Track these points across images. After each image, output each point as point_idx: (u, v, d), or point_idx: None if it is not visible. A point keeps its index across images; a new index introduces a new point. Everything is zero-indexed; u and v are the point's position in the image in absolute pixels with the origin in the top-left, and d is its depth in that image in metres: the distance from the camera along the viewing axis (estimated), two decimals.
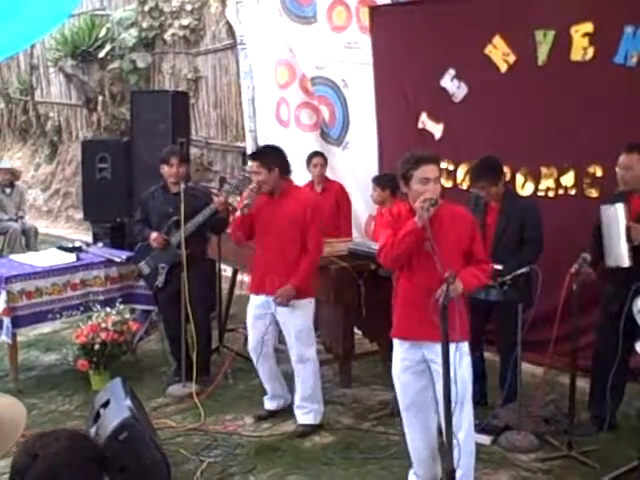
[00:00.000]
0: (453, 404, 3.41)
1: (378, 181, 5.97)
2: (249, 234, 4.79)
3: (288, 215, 4.63)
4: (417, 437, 3.84)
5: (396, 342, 3.80)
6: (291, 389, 4.95)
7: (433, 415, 3.78)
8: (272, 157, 4.71)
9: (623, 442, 4.42)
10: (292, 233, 4.63)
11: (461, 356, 3.57)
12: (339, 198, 6.66)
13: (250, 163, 4.70)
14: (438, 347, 3.48)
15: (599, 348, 4.63)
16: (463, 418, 3.62)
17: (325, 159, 6.79)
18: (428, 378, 3.72)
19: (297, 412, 4.81)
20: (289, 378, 5.03)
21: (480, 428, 4.52)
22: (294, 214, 4.63)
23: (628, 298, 4.06)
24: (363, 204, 7.03)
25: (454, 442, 3.38)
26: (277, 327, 4.84)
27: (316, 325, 5.80)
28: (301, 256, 4.65)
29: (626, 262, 4.30)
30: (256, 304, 4.81)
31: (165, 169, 5.39)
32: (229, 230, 4.88)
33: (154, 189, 5.53)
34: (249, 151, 8.50)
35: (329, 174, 7.28)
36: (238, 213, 4.74)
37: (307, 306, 4.72)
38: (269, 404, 5.02)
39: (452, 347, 3.43)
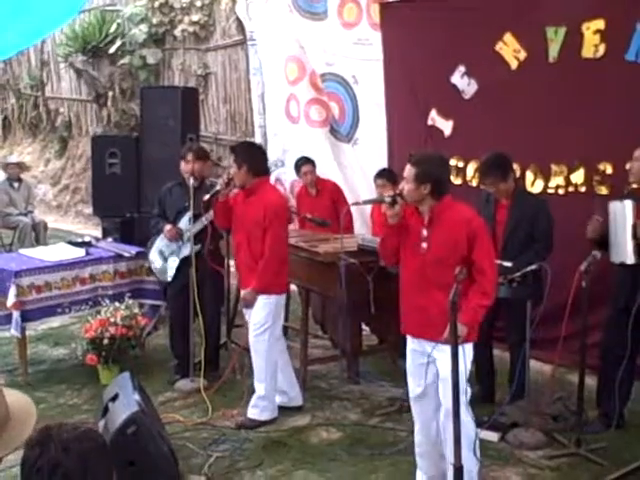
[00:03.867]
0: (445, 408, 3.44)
1: (388, 177, 5.95)
2: (225, 222, 4.97)
3: (252, 214, 4.73)
4: (418, 429, 3.86)
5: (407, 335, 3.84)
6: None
7: (435, 411, 3.78)
8: (243, 154, 4.80)
9: (631, 440, 4.42)
10: (256, 232, 4.73)
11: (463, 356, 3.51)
12: (334, 197, 6.65)
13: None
14: (440, 346, 3.53)
15: (607, 345, 4.62)
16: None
17: (314, 164, 6.76)
18: (433, 373, 3.73)
19: (250, 409, 4.85)
20: (295, 374, 5.06)
21: (488, 425, 4.52)
22: (256, 214, 4.72)
23: (637, 295, 4.04)
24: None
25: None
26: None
27: (322, 321, 5.83)
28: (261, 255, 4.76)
29: (630, 259, 4.29)
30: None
31: (182, 165, 5.49)
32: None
33: (172, 184, 5.61)
34: None
35: (337, 171, 7.29)
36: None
37: (264, 303, 4.75)
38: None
39: (445, 348, 3.45)
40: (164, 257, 5.56)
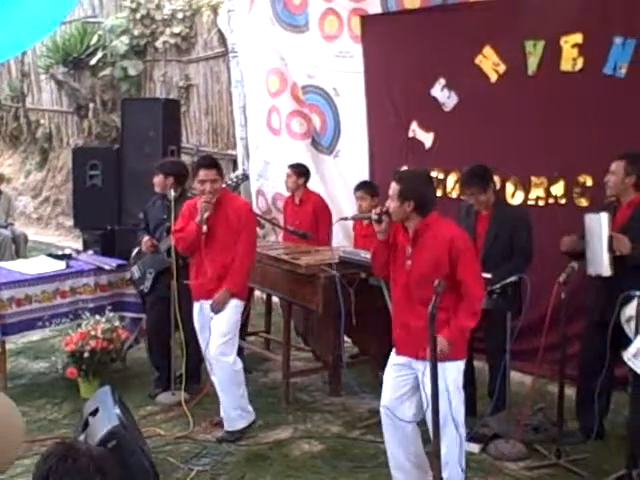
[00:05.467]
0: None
1: (368, 189, 5.97)
2: (193, 248, 4.83)
3: (225, 223, 4.73)
4: (394, 443, 3.84)
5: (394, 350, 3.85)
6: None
7: (412, 425, 3.78)
8: (221, 168, 4.89)
9: (611, 450, 4.44)
10: (229, 239, 4.73)
11: (444, 375, 3.50)
12: (317, 209, 6.66)
13: (204, 172, 4.73)
14: (424, 363, 3.56)
15: (585, 357, 4.65)
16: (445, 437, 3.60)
17: (299, 171, 6.76)
18: (411, 387, 3.73)
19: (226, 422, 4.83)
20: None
21: (469, 436, 4.52)
22: (229, 221, 4.74)
23: (616, 306, 4.07)
24: (354, 213, 7.03)
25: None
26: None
27: (304, 333, 5.82)
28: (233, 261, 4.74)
29: (606, 271, 4.33)
30: (196, 311, 4.91)
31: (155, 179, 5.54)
32: (174, 240, 4.95)
33: (155, 197, 5.62)
34: (240, 159, 8.52)
35: (319, 183, 7.30)
36: (196, 224, 4.73)
37: (234, 308, 4.76)
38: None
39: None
40: (143, 269, 5.58)
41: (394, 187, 3.66)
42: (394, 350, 3.83)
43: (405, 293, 3.70)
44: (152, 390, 5.51)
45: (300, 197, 6.73)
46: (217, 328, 4.73)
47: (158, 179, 5.49)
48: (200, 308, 4.88)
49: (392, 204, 3.66)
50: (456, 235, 3.68)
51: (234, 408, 4.80)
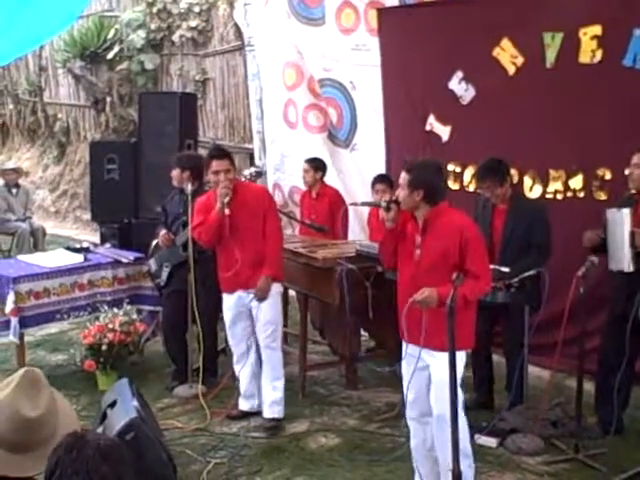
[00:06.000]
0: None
1: (387, 182, 5.95)
2: (215, 239, 4.81)
3: (247, 207, 4.73)
4: (413, 434, 3.86)
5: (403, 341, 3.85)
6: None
7: (427, 415, 3.77)
8: (233, 158, 4.88)
9: (630, 446, 4.42)
10: (256, 225, 4.74)
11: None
12: (333, 203, 6.66)
13: (216, 163, 4.73)
14: (431, 352, 3.57)
15: (605, 351, 4.62)
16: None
17: (316, 165, 6.75)
18: (426, 378, 3.73)
19: (268, 408, 4.83)
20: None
21: (487, 430, 4.52)
22: (252, 207, 4.75)
23: (635, 302, 4.04)
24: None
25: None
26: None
27: (321, 327, 5.83)
28: (264, 245, 4.76)
29: (628, 267, 4.29)
30: (230, 303, 4.89)
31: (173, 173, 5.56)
32: (195, 235, 4.92)
33: (174, 192, 5.65)
34: (257, 153, 8.53)
35: (335, 177, 7.29)
36: (217, 212, 4.69)
37: (276, 295, 4.84)
38: (243, 404, 5.03)
39: (441, 355, 3.46)
40: (159, 262, 5.62)
41: (404, 176, 3.68)
42: (404, 342, 3.83)
43: (413, 283, 3.67)
44: (169, 383, 5.53)
45: (317, 191, 6.73)
46: (264, 317, 4.77)
47: (175, 173, 5.51)
48: (238, 299, 4.85)
49: (402, 193, 3.67)
50: (466, 224, 3.67)
51: (282, 393, 4.84)
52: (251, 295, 4.77)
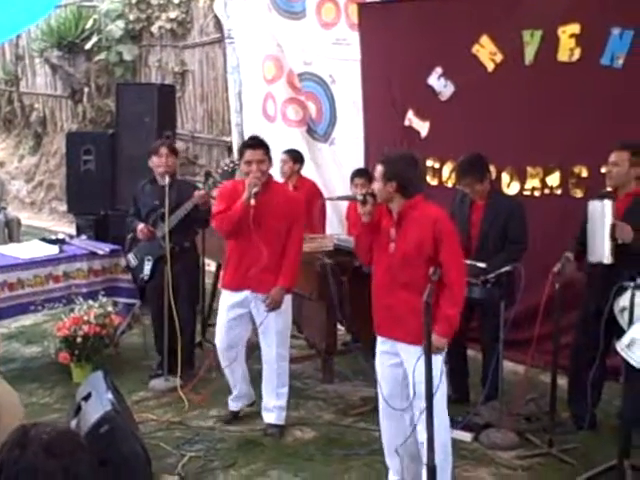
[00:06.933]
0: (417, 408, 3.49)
1: (367, 176, 5.94)
2: (237, 230, 4.52)
3: (275, 210, 4.51)
4: (390, 432, 3.85)
5: (377, 335, 3.86)
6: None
7: (403, 411, 3.77)
8: (269, 148, 4.60)
9: (603, 440, 4.46)
10: (279, 229, 4.53)
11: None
12: (311, 196, 6.63)
13: (250, 152, 4.48)
14: (406, 347, 3.59)
15: (578, 346, 4.66)
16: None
17: (294, 157, 6.69)
18: (404, 376, 3.73)
19: (271, 414, 4.71)
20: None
21: (461, 425, 4.55)
22: (283, 209, 4.53)
23: (610, 296, 4.07)
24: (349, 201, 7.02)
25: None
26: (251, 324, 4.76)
27: (298, 321, 5.82)
28: (284, 251, 4.56)
29: (607, 259, 4.32)
30: (233, 302, 4.65)
31: (154, 160, 5.38)
32: (214, 223, 4.72)
33: (144, 182, 5.53)
34: (235, 146, 8.49)
35: (314, 170, 7.28)
36: (243, 203, 4.43)
37: (287, 304, 4.66)
38: (234, 405, 4.91)
39: (416, 349, 3.47)
40: (139, 257, 5.53)
41: (378, 169, 3.69)
42: (378, 336, 3.83)
43: (388, 277, 3.69)
44: (153, 373, 5.49)
45: (294, 184, 6.70)
46: (274, 326, 4.58)
47: (168, 159, 5.35)
48: (244, 299, 4.62)
49: (377, 185, 3.68)
50: (441, 217, 3.67)
51: (285, 400, 4.72)
52: (258, 300, 4.57)
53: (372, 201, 3.69)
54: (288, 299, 4.65)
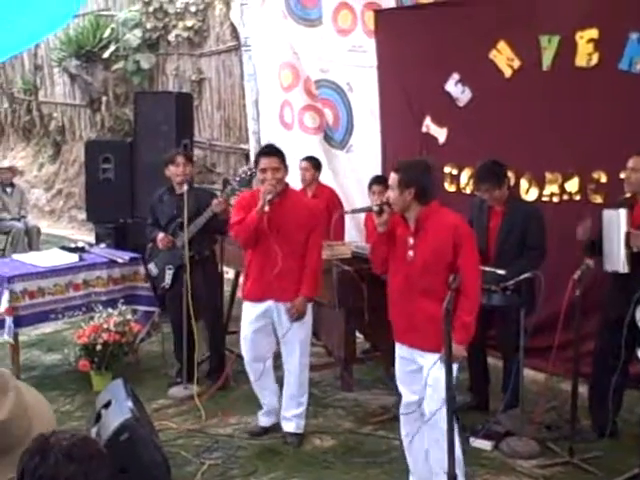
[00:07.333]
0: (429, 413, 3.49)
1: (384, 183, 5.91)
2: (255, 239, 4.50)
3: (294, 218, 4.48)
4: (408, 434, 3.85)
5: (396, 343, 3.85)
6: None
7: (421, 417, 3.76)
8: (284, 156, 4.58)
9: (624, 449, 4.41)
10: (298, 237, 4.50)
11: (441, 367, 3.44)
12: (331, 203, 6.62)
13: (265, 160, 4.47)
14: (424, 354, 3.58)
15: (599, 354, 4.62)
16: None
17: (315, 164, 6.70)
18: (420, 377, 3.72)
19: (290, 423, 4.69)
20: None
21: (482, 433, 4.52)
22: (302, 218, 4.50)
23: (630, 304, 4.04)
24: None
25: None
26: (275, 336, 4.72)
27: (317, 328, 5.81)
28: (304, 260, 4.53)
29: (623, 268, 4.29)
30: (256, 314, 4.60)
31: (171, 169, 5.41)
32: (232, 233, 4.70)
33: (162, 192, 5.55)
34: (252, 153, 8.50)
35: (331, 178, 7.28)
36: (257, 211, 4.39)
37: (309, 313, 4.64)
38: (265, 420, 4.85)
39: (434, 356, 3.48)
40: (160, 266, 5.55)
41: (393, 177, 3.66)
42: (397, 344, 3.82)
43: (406, 285, 3.68)
44: (173, 381, 5.52)
45: (313, 191, 6.70)
46: (297, 337, 4.57)
47: (185, 168, 5.37)
48: (266, 310, 4.58)
49: (392, 194, 3.65)
50: (460, 222, 3.70)
51: (305, 409, 4.72)
52: (281, 309, 4.54)
53: (389, 210, 3.67)
54: (310, 308, 4.64)
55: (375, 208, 3.73)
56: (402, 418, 3.88)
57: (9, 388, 2.05)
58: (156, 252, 5.56)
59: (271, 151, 4.54)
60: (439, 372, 3.39)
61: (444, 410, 3.35)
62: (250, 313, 4.64)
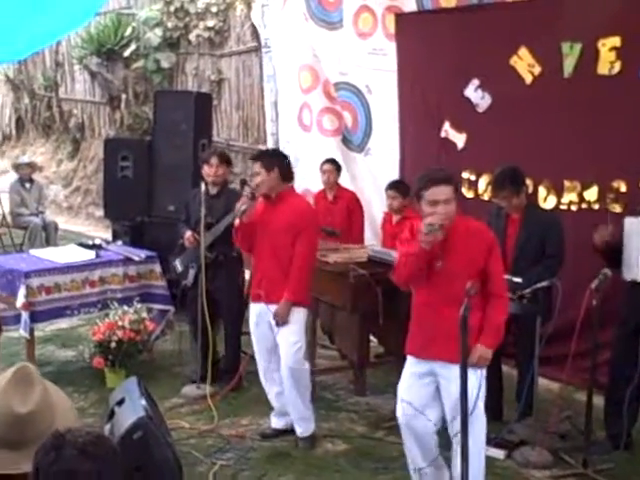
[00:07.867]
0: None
1: (399, 188, 5.91)
2: (250, 245, 4.66)
3: (280, 222, 4.51)
4: (414, 450, 3.79)
5: (408, 357, 3.79)
6: None
7: (432, 430, 3.73)
8: (273, 159, 4.63)
9: (639, 461, 4.37)
10: (284, 240, 4.50)
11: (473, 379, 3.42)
12: (351, 206, 6.61)
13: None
14: (449, 365, 3.51)
15: (615, 364, 4.58)
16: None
17: (337, 167, 6.72)
18: (432, 396, 3.70)
19: (297, 426, 4.68)
20: None
21: (495, 442, 4.49)
22: (286, 221, 4.51)
23: None
24: (384, 211, 7.00)
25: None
26: None
27: (331, 332, 5.81)
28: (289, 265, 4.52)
29: None
30: (255, 313, 4.71)
31: (205, 169, 5.46)
32: (235, 238, 4.78)
33: (197, 190, 5.56)
34: None
35: (349, 181, 7.28)
36: (236, 222, 4.59)
37: (298, 318, 4.58)
38: (277, 422, 4.84)
39: (454, 368, 3.42)
40: (185, 263, 5.56)
41: (448, 190, 3.52)
42: (412, 357, 3.75)
43: (434, 295, 3.63)
44: (191, 376, 5.51)
45: (334, 194, 6.69)
46: (286, 339, 4.54)
47: (218, 169, 5.41)
48: (260, 310, 4.65)
49: (449, 208, 3.51)
50: (484, 228, 3.74)
51: (308, 412, 4.68)
52: (270, 312, 4.56)
53: (438, 230, 3.46)
54: (300, 313, 4.58)
55: (426, 230, 3.44)
56: (403, 431, 3.81)
57: (36, 382, 2.08)
58: (184, 249, 5.57)
59: (256, 155, 4.70)
60: (470, 382, 3.36)
61: (476, 422, 3.38)
62: (252, 314, 4.76)
